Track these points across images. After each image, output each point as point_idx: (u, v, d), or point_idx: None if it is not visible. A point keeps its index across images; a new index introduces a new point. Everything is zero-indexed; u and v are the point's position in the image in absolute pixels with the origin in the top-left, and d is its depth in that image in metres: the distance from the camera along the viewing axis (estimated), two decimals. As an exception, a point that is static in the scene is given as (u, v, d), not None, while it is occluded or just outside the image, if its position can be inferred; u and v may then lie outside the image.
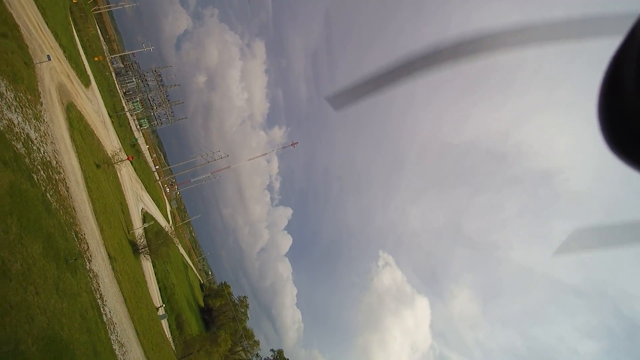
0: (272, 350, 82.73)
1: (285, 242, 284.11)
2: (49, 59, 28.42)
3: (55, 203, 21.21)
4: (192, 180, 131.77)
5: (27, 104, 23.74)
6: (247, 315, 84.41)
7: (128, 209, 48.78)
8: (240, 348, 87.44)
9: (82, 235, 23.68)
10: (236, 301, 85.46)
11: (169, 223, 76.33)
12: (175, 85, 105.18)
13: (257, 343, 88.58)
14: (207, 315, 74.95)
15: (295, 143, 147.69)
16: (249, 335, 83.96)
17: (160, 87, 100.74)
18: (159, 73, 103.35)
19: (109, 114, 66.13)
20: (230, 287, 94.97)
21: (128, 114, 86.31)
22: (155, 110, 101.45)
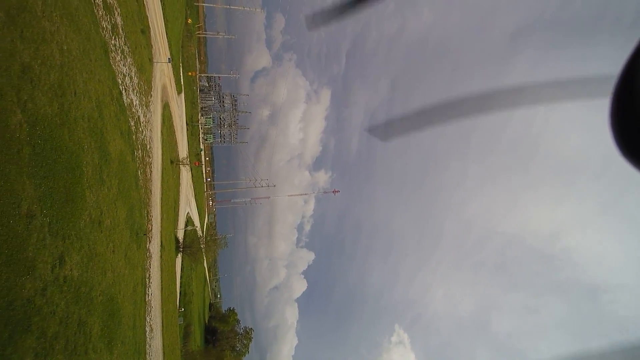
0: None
1: (300, 286, 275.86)
2: (170, 62, 32.72)
3: (141, 181, 23.31)
4: (232, 201, 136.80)
5: (143, 92, 27.26)
6: (248, 348, 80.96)
7: (178, 209, 51.35)
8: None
9: (150, 216, 25.40)
10: (241, 331, 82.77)
11: (203, 234, 78.32)
12: (246, 111, 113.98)
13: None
14: (210, 336, 72.96)
15: (337, 191, 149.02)
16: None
17: (234, 110, 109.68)
18: (235, 98, 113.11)
19: (186, 122, 72.64)
20: (237, 314, 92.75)
21: (200, 126, 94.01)
22: (224, 129, 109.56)
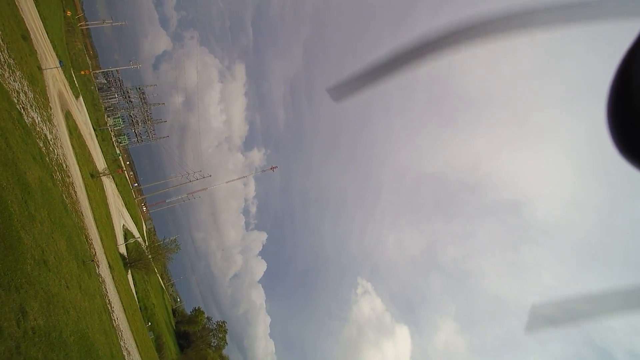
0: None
1: (260, 268, 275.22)
2: (62, 65, 28.56)
3: (69, 205, 21.02)
4: (167, 201, 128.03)
5: (42, 106, 23.83)
6: (226, 340, 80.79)
7: (112, 223, 47.18)
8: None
9: (90, 240, 23.25)
10: (214, 327, 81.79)
11: (145, 242, 73.51)
12: (160, 103, 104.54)
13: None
14: (183, 341, 70.99)
15: (275, 167, 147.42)
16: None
17: (144, 104, 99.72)
18: (142, 91, 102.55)
19: (93, 128, 64.76)
20: (204, 313, 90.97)
21: (110, 129, 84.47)
22: (138, 128, 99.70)
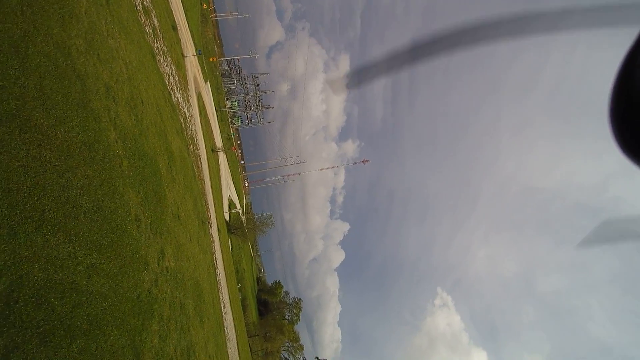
0: (316, 358, 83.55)
1: (338, 256, 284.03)
2: (199, 54, 33.41)
3: (197, 173, 24.92)
4: (264, 180, 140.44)
5: (183, 88, 28.38)
6: (299, 317, 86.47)
7: (221, 193, 53.98)
8: (284, 348, 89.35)
9: (207, 204, 27.28)
10: (290, 302, 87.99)
11: (243, 214, 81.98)
12: (270, 90, 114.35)
13: (301, 347, 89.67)
14: (263, 307, 78.43)
15: (367, 161, 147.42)
16: (295, 337, 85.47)
17: (257, 91, 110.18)
18: (257, 78, 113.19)
19: (215, 109, 74.36)
20: (283, 286, 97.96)
21: (227, 111, 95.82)
22: (250, 111, 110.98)
